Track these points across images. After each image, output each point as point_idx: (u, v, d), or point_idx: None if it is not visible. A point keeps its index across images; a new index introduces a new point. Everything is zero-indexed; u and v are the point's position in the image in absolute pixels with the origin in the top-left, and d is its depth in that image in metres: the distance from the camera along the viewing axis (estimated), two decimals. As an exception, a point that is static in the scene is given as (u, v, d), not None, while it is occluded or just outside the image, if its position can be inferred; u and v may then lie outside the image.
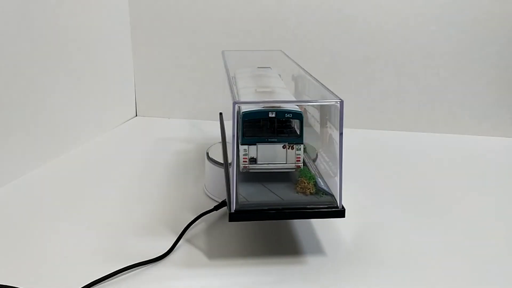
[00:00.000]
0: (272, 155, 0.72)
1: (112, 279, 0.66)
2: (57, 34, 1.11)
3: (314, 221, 0.82)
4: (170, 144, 1.24)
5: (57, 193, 0.95)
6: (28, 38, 1.02)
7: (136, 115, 1.52)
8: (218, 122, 1.01)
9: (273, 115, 0.71)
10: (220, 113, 1.11)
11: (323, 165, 0.77)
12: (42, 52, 1.07)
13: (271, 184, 0.73)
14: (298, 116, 0.71)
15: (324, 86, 0.76)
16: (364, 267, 0.70)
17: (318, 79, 0.82)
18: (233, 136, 0.66)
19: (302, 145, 0.72)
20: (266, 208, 0.67)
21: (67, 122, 1.16)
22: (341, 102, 0.67)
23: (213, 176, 0.92)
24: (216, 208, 0.85)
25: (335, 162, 0.69)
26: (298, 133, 0.72)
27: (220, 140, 0.95)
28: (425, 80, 1.34)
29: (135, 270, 0.68)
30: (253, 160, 0.72)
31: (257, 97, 0.77)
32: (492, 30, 1.27)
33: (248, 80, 0.88)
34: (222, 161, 0.90)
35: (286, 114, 0.71)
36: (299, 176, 0.73)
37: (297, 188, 0.71)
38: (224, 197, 0.87)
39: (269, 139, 0.72)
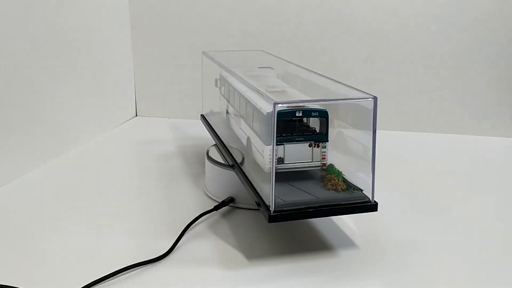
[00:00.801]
0: (299, 154, 0.73)
1: (112, 279, 0.66)
2: (57, 34, 1.11)
3: (315, 219, 0.83)
4: (170, 144, 1.24)
5: (57, 193, 0.95)
6: (28, 38, 1.02)
7: (136, 115, 1.52)
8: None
9: (301, 114, 0.71)
10: (202, 115, 1.12)
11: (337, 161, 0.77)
12: (42, 52, 1.07)
13: (297, 182, 0.73)
14: (324, 114, 0.72)
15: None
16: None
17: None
18: (273, 136, 0.66)
19: (327, 143, 0.73)
20: (303, 207, 0.67)
21: (67, 122, 1.16)
22: (375, 99, 0.68)
23: (213, 176, 0.92)
24: (216, 208, 0.85)
25: (359, 158, 0.71)
26: (324, 131, 0.73)
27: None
28: (425, 80, 1.34)
29: (135, 270, 0.68)
30: (280, 160, 0.72)
31: (277, 97, 0.76)
32: (492, 30, 1.27)
33: (252, 81, 0.88)
34: (222, 161, 0.90)
35: (312, 113, 0.72)
36: (328, 173, 0.73)
37: (328, 185, 0.72)
38: (224, 197, 0.88)
39: (295, 139, 0.72)
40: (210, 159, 0.92)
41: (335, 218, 0.82)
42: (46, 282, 0.66)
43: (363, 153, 0.71)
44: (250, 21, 1.37)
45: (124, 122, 1.45)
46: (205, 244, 0.76)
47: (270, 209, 0.66)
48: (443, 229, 0.82)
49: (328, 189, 0.71)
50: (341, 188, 0.71)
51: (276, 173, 0.67)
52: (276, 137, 0.69)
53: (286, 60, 1.07)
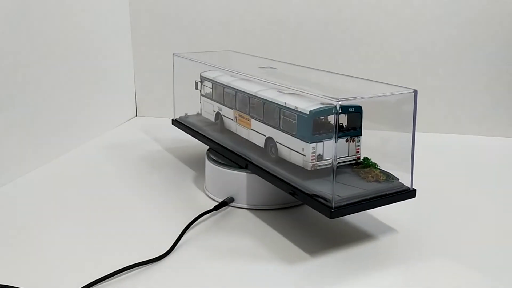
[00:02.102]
0: (337, 149, 0.74)
1: (112, 279, 0.66)
2: (57, 34, 1.11)
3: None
4: (170, 144, 1.24)
5: (57, 193, 0.95)
6: (28, 39, 1.02)
7: (136, 115, 1.52)
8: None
9: (340, 112, 0.72)
10: (175, 120, 1.11)
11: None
12: (42, 52, 1.07)
13: (327, 176, 0.73)
14: (359, 109, 0.75)
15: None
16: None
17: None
18: (335, 132, 0.68)
19: (361, 137, 0.75)
20: (358, 200, 0.70)
21: (67, 122, 1.16)
22: (415, 92, 0.74)
23: (213, 176, 0.92)
24: (216, 208, 0.85)
25: (396, 149, 0.76)
26: (358, 126, 0.75)
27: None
28: (425, 80, 1.34)
29: (135, 270, 0.68)
30: (320, 157, 0.74)
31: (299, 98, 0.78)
32: (492, 30, 1.27)
33: (260, 82, 0.89)
34: (222, 161, 0.90)
35: (349, 109, 0.74)
36: (366, 166, 0.76)
37: (369, 177, 0.74)
38: (224, 197, 0.88)
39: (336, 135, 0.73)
40: (210, 159, 0.92)
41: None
42: (46, 282, 0.66)
43: (400, 144, 0.75)
44: (250, 21, 1.37)
45: (124, 122, 1.45)
46: (205, 244, 0.76)
47: (332, 205, 0.67)
48: (443, 229, 0.82)
49: (369, 181, 0.74)
50: (382, 179, 0.74)
51: (316, 169, 0.72)
52: (316, 134, 0.73)
53: (261, 57, 1.09)
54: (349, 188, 0.71)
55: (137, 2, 1.42)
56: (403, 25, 1.31)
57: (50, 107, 1.10)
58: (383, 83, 0.80)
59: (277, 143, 0.81)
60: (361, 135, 0.76)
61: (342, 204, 0.68)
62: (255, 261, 0.71)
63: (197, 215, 0.81)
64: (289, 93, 0.80)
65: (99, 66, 1.30)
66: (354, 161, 0.77)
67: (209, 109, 1.02)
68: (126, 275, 0.67)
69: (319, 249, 0.74)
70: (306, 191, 0.72)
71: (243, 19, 1.38)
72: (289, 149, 0.78)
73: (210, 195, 0.92)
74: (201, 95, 1.05)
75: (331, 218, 0.68)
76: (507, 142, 1.29)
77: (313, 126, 0.73)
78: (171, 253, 0.72)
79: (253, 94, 0.86)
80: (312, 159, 0.73)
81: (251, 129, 0.88)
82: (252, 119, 0.87)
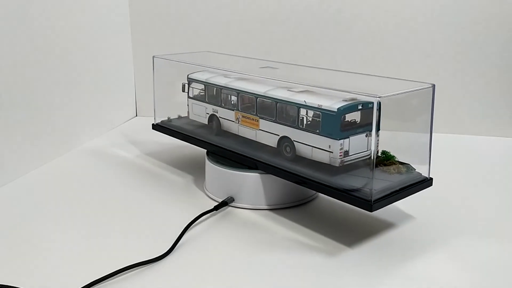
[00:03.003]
0: (359, 145, 0.77)
1: (112, 279, 0.66)
2: (57, 34, 1.11)
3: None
4: (170, 144, 1.23)
5: (57, 193, 0.95)
6: (28, 38, 1.02)
7: (136, 115, 1.52)
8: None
9: (361, 107, 0.76)
10: (156, 124, 1.08)
11: None
12: (42, 52, 1.07)
13: (357, 171, 0.77)
14: (378, 105, 0.75)
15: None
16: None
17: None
18: (375, 127, 0.70)
19: (379, 131, 0.76)
20: (390, 192, 0.73)
21: (67, 122, 1.16)
22: (433, 86, 0.78)
23: (213, 176, 0.92)
24: (216, 208, 0.85)
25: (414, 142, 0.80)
26: (376, 120, 0.76)
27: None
28: (425, 80, 1.34)
29: (135, 270, 0.68)
30: (346, 153, 0.76)
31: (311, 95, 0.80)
32: (492, 30, 1.27)
33: (263, 82, 0.89)
34: (221, 161, 0.90)
35: (369, 105, 0.75)
36: (386, 159, 0.79)
37: (391, 169, 0.78)
38: (224, 197, 0.88)
39: (357, 131, 0.77)
40: (210, 158, 0.92)
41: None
42: (46, 282, 0.66)
43: (418, 136, 0.79)
44: (250, 21, 1.37)
45: (124, 122, 1.45)
46: (205, 244, 0.76)
47: (371, 198, 0.70)
48: (442, 228, 0.82)
49: (392, 173, 0.77)
50: (403, 171, 0.78)
51: (344, 165, 0.76)
52: (343, 131, 0.75)
53: (242, 57, 1.11)
54: (378, 181, 0.73)
55: (137, 2, 1.42)
56: (403, 25, 1.31)
57: (50, 107, 1.10)
58: (395, 78, 0.82)
59: (294, 142, 0.82)
60: (379, 129, 0.77)
61: (379, 197, 0.71)
62: (255, 261, 0.71)
63: (197, 215, 0.81)
64: (301, 92, 0.82)
65: (99, 66, 1.30)
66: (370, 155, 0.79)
67: (200, 111, 1.01)
68: (126, 275, 0.67)
69: (321, 249, 0.74)
70: (337, 187, 0.74)
71: (243, 19, 1.38)
72: (310, 147, 0.79)
73: (210, 195, 0.92)
74: (189, 97, 1.03)
75: (371, 211, 0.70)
76: (507, 142, 1.29)
77: (341, 123, 0.75)
78: (171, 253, 0.72)
79: (263, 94, 0.86)
80: (340, 156, 0.76)
81: (260, 130, 0.88)
82: (260, 120, 0.87)
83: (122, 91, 1.45)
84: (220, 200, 0.88)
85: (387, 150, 0.80)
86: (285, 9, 1.35)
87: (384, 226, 0.81)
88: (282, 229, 0.81)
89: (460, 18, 1.28)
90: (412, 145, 0.82)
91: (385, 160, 0.79)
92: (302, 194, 0.89)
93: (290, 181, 0.81)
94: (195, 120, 1.03)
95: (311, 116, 0.78)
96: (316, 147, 0.78)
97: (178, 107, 1.07)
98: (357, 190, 0.72)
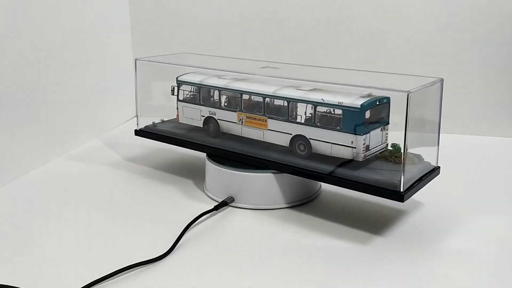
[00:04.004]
0: (376, 139, 0.81)
1: (112, 279, 0.66)
2: (57, 33, 1.11)
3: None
4: (170, 144, 1.23)
5: (57, 193, 0.95)
6: (28, 38, 1.02)
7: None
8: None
9: (378, 103, 0.80)
10: (139, 130, 1.05)
11: None
12: (42, 52, 1.07)
13: (374, 163, 0.81)
14: (389, 100, 0.81)
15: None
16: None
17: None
18: (406, 123, 0.72)
19: (388, 125, 0.83)
20: (413, 182, 0.77)
21: (67, 122, 1.16)
22: (442, 80, 0.84)
23: (213, 176, 0.92)
24: (216, 208, 0.85)
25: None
26: (388, 115, 0.81)
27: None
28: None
29: (135, 270, 0.68)
30: (367, 148, 0.80)
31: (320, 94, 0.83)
32: (492, 30, 1.27)
33: (266, 82, 0.90)
34: (221, 162, 0.90)
35: (384, 100, 0.80)
36: (398, 151, 0.82)
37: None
38: (224, 197, 0.88)
39: (375, 125, 0.80)
40: (210, 158, 0.92)
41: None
42: (46, 282, 0.66)
43: (427, 128, 0.83)
44: (250, 21, 1.37)
45: (124, 122, 1.45)
46: (205, 244, 0.76)
47: (401, 189, 0.73)
48: (443, 228, 0.82)
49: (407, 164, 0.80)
50: (416, 161, 0.82)
51: (366, 160, 0.79)
52: (366, 126, 0.78)
53: (222, 57, 1.12)
54: (396, 173, 0.76)
55: (137, 2, 1.42)
56: (403, 25, 1.31)
57: (50, 107, 1.10)
58: (400, 74, 0.86)
59: (310, 140, 0.83)
60: (389, 123, 0.83)
61: (406, 187, 0.74)
62: (255, 261, 0.71)
63: (197, 215, 0.81)
64: (312, 90, 0.84)
65: (99, 66, 1.30)
66: (384, 149, 0.84)
67: (193, 114, 0.99)
68: (126, 275, 0.67)
69: (321, 249, 0.74)
70: (363, 181, 0.76)
71: (243, 19, 1.38)
72: (330, 144, 0.81)
73: (210, 195, 0.92)
74: (179, 100, 1.01)
75: (403, 201, 0.73)
76: (507, 142, 1.29)
77: (364, 117, 0.78)
78: (171, 253, 0.72)
79: (272, 94, 0.86)
80: (363, 150, 0.79)
81: (268, 130, 0.88)
82: (269, 119, 0.87)
83: (122, 91, 1.45)
84: (220, 200, 0.88)
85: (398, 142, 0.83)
86: (285, 9, 1.35)
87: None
88: (282, 229, 0.81)
89: (460, 18, 1.28)
90: (421, 137, 0.84)
91: (396, 152, 0.82)
92: (302, 194, 0.89)
93: (309, 179, 0.84)
94: (185, 124, 1.01)
95: (330, 113, 0.80)
96: (336, 143, 0.80)
97: (164, 111, 1.06)
98: (384, 182, 0.75)
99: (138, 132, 1.06)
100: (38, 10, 1.04)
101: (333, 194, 0.93)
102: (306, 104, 0.83)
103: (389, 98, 0.81)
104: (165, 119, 1.08)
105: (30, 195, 0.93)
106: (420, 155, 0.83)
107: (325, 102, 0.81)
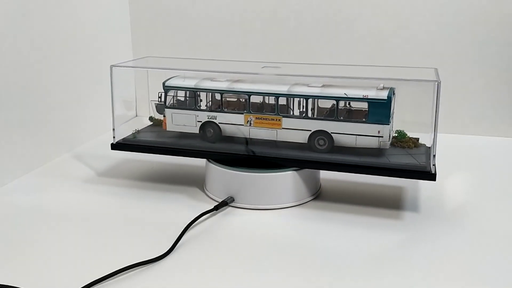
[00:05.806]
0: (391, 128, 0.87)
1: (112, 279, 0.66)
2: (57, 33, 1.11)
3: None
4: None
5: (57, 193, 0.95)
6: (28, 38, 1.02)
7: (136, 115, 1.52)
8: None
9: (394, 94, 0.85)
10: (115, 144, 0.98)
11: None
12: (42, 52, 1.07)
13: (388, 150, 0.86)
14: (395, 91, 0.87)
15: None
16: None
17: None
18: (437, 111, 0.79)
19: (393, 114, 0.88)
20: (432, 164, 0.81)
21: (67, 122, 1.16)
22: (436, 69, 0.91)
23: (213, 176, 0.92)
24: (216, 208, 0.85)
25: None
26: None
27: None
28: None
29: (135, 270, 0.68)
30: (390, 136, 0.86)
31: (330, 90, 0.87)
32: (492, 30, 1.27)
33: (274, 82, 0.91)
34: (221, 162, 0.90)
35: (394, 91, 0.86)
36: (404, 137, 0.90)
37: (411, 145, 0.88)
38: (224, 197, 0.88)
39: (392, 115, 0.86)
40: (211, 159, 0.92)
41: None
42: (46, 282, 0.66)
43: (423, 115, 0.85)
44: (250, 21, 1.37)
45: (124, 122, 1.44)
46: (205, 244, 0.76)
47: (432, 170, 0.80)
48: (442, 228, 0.82)
49: (412, 148, 0.88)
50: (419, 145, 0.89)
51: (385, 148, 0.85)
52: (390, 116, 0.84)
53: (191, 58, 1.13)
54: (414, 156, 0.85)
55: (137, 2, 1.42)
56: (403, 25, 1.31)
57: (50, 107, 1.10)
58: (400, 66, 0.96)
59: (332, 134, 0.86)
60: (393, 113, 0.88)
61: (427, 170, 0.81)
62: (255, 261, 0.71)
63: (197, 215, 0.81)
64: (324, 86, 0.87)
65: (99, 66, 1.30)
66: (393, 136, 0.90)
67: (187, 120, 0.94)
68: (126, 275, 0.67)
69: (322, 249, 0.74)
70: (395, 167, 0.82)
71: (243, 19, 1.38)
72: (354, 136, 0.85)
73: (210, 195, 0.92)
74: (166, 107, 0.95)
75: (435, 180, 0.80)
76: (507, 142, 1.29)
77: (390, 110, 0.84)
78: (171, 253, 0.72)
79: (286, 93, 0.88)
80: (390, 139, 0.85)
81: (283, 128, 0.88)
82: (284, 118, 0.88)
83: (122, 91, 1.45)
84: (220, 200, 0.88)
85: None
86: (285, 9, 1.35)
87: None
88: (282, 229, 0.81)
89: (460, 18, 1.28)
90: (419, 124, 0.90)
91: (402, 138, 0.89)
92: (302, 193, 0.89)
93: (336, 171, 0.88)
94: (177, 131, 0.96)
95: (354, 106, 0.85)
96: (362, 134, 0.84)
97: (143, 121, 1.04)
98: (415, 165, 0.82)
99: (116, 146, 0.97)
100: (38, 10, 1.04)
101: (333, 194, 0.93)
102: (326, 100, 0.86)
103: (394, 89, 0.87)
104: (138, 129, 1.02)
105: (30, 195, 0.93)
106: (418, 138, 0.90)
107: (348, 96, 0.84)
